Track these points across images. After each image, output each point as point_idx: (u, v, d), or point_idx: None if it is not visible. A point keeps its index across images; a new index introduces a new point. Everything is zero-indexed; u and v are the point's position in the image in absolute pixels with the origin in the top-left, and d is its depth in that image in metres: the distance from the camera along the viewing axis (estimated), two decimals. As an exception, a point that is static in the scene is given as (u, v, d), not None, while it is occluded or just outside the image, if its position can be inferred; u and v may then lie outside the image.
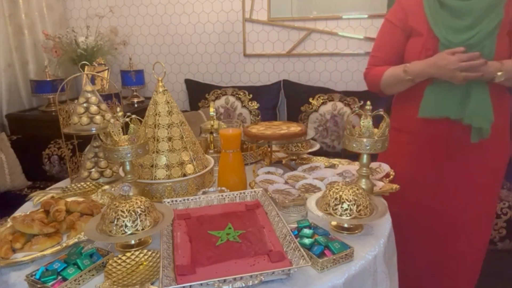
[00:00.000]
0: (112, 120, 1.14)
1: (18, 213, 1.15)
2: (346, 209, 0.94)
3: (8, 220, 1.05)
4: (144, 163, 1.17)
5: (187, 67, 2.98)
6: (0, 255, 0.90)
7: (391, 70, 1.39)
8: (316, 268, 0.85)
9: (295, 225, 0.98)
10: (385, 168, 1.33)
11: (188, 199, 1.08)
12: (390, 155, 1.35)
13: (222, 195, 1.10)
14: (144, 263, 0.88)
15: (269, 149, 1.52)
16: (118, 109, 1.11)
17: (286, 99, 2.76)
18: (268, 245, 0.87)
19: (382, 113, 1.08)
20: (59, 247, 0.94)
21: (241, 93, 2.75)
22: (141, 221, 0.88)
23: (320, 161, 1.53)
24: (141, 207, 0.89)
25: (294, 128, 1.41)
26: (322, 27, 2.67)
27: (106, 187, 1.30)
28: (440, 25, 1.28)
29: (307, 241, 0.89)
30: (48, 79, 2.54)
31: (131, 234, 0.87)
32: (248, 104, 2.72)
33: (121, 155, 1.03)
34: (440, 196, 1.44)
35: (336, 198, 0.96)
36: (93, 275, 0.85)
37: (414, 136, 1.43)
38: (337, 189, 0.97)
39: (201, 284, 0.73)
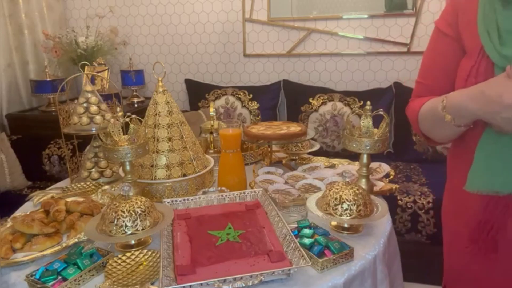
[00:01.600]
0: (112, 120, 1.14)
1: (18, 213, 1.15)
2: (346, 209, 0.94)
3: (8, 220, 1.05)
4: (144, 163, 1.17)
5: (187, 67, 2.98)
6: (0, 255, 0.90)
7: (430, 103, 0.92)
8: (316, 268, 0.85)
9: (295, 225, 0.97)
10: (385, 168, 1.33)
11: (188, 199, 1.08)
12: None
13: (222, 195, 1.10)
14: (144, 263, 0.88)
15: (269, 149, 1.52)
16: (118, 109, 1.11)
17: (286, 99, 2.76)
18: (268, 245, 0.87)
19: (382, 113, 1.08)
20: (59, 247, 0.94)
21: (241, 93, 2.75)
22: (141, 221, 0.88)
23: (320, 161, 1.53)
24: (141, 207, 0.89)
25: (294, 128, 1.41)
26: (322, 27, 2.67)
27: (106, 187, 1.30)
28: (494, 37, 0.80)
29: (307, 241, 0.89)
30: (48, 79, 2.54)
31: (131, 234, 0.87)
32: (248, 104, 2.72)
33: (121, 155, 1.03)
34: None
35: (336, 198, 0.96)
36: (93, 275, 0.85)
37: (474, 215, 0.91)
38: (337, 189, 0.97)
39: (201, 284, 0.73)
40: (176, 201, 1.07)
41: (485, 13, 0.82)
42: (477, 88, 0.78)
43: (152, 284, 0.80)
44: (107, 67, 2.67)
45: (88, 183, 1.34)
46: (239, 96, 2.74)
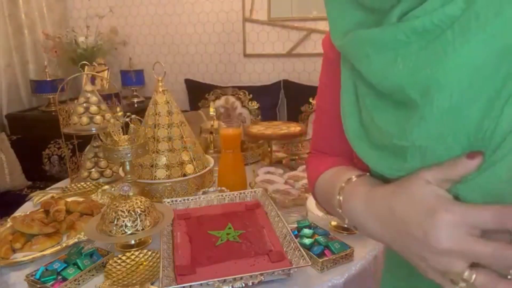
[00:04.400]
0: (112, 120, 1.14)
1: (18, 213, 1.15)
2: (346, 209, 0.94)
3: (8, 220, 1.04)
4: (144, 163, 1.17)
5: (187, 67, 2.98)
6: (0, 255, 0.90)
7: (327, 182, 0.56)
8: (316, 268, 0.85)
9: (295, 225, 0.98)
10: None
11: (188, 199, 1.08)
12: None
13: (222, 195, 1.10)
14: (144, 263, 0.88)
15: (269, 149, 1.52)
16: (118, 109, 1.11)
17: (286, 99, 2.76)
18: (268, 245, 0.87)
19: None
20: (59, 247, 0.94)
21: (241, 93, 2.75)
22: (141, 221, 0.88)
23: (320, 161, 1.52)
24: (141, 207, 0.89)
25: (294, 128, 1.41)
26: (322, 27, 2.66)
27: (106, 187, 1.30)
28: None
29: (307, 241, 0.89)
30: (48, 79, 2.54)
31: (131, 234, 0.87)
32: (248, 104, 2.72)
33: (121, 155, 1.03)
34: None
35: (336, 198, 0.96)
36: (93, 275, 0.85)
37: None
38: (337, 189, 0.97)
39: (201, 284, 0.73)
40: (176, 201, 1.07)
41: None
42: (384, 198, 0.41)
43: (152, 284, 0.80)
44: (107, 67, 2.67)
45: (88, 183, 1.34)
46: (239, 96, 2.74)
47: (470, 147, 0.34)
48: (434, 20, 0.32)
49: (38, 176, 2.31)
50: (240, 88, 2.78)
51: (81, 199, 1.15)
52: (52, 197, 1.18)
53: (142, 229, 0.88)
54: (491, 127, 0.32)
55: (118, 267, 0.86)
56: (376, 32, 0.38)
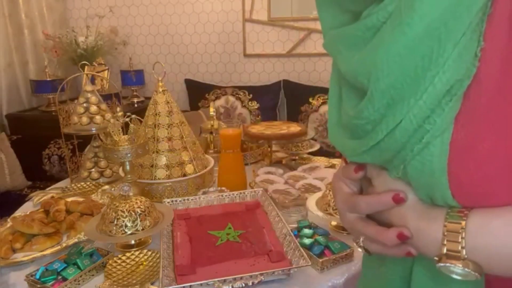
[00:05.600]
0: (112, 120, 1.14)
1: (18, 213, 1.15)
2: (346, 209, 0.94)
3: (8, 220, 1.05)
4: (144, 163, 1.17)
5: (187, 67, 2.98)
6: (0, 255, 0.90)
7: None
8: (316, 268, 0.85)
9: (295, 225, 0.98)
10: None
11: (188, 199, 1.08)
12: None
13: (222, 195, 1.10)
14: (144, 263, 0.88)
15: (269, 149, 1.52)
16: (118, 109, 1.11)
17: (286, 99, 2.76)
18: (268, 245, 0.87)
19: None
20: (59, 247, 0.94)
21: (241, 93, 2.75)
22: (141, 221, 0.88)
23: (320, 161, 1.53)
24: (141, 207, 0.89)
25: (294, 128, 1.41)
26: (322, 27, 2.67)
27: (106, 187, 1.30)
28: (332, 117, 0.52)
29: (307, 241, 0.89)
30: (48, 79, 2.54)
31: (131, 234, 0.87)
32: (248, 104, 2.72)
33: (121, 155, 1.03)
34: None
35: (336, 198, 0.96)
36: (93, 275, 0.85)
37: None
38: (337, 189, 0.97)
39: (201, 284, 0.73)
40: (176, 201, 1.07)
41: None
42: None
43: (152, 284, 0.80)
44: (107, 67, 2.67)
45: (88, 183, 1.34)
46: (239, 96, 2.74)
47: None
48: (379, 17, 0.38)
49: (38, 176, 2.31)
50: (240, 88, 2.78)
51: (81, 199, 1.15)
52: (52, 197, 1.18)
53: (142, 229, 0.88)
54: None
55: (118, 267, 0.86)
56: (343, 30, 0.44)
